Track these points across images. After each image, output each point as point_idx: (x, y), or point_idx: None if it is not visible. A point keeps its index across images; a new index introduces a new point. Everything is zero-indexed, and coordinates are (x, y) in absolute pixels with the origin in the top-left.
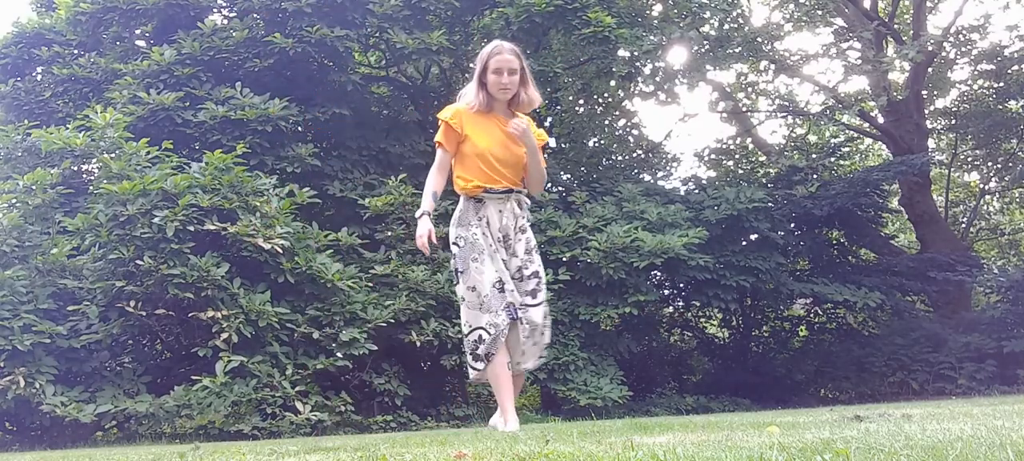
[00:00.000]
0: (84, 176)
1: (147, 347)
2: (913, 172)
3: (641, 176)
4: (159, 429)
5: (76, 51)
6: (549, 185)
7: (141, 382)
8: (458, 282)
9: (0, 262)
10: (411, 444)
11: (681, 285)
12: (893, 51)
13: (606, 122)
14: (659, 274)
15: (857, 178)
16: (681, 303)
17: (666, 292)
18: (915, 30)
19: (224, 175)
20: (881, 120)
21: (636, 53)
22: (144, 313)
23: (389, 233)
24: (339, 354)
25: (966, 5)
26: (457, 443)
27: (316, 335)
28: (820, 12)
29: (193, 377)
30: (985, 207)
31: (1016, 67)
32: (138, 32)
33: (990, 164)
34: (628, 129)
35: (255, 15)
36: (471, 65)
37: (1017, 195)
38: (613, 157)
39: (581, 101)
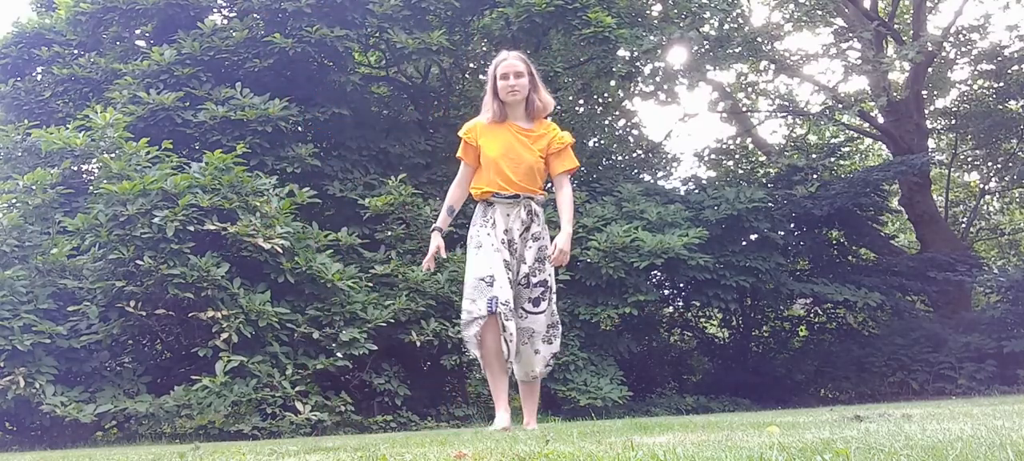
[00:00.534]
0: (84, 176)
1: (147, 347)
2: (913, 172)
3: (641, 176)
4: (159, 429)
5: (76, 51)
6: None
7: (141, 382)
8: None
9: (0, 262)
10: (411, 444)
11: (681, 285)
12: (893, 51)
13: (606, 122)
14: (659, 274)
15: (857, 178)
16: (681, 303)
17: (666, 292)
18: (915, 30)
19: (224, 175)
20: (881, 120)
21: (636, 53)
22: (144, 313)
23: (389, 233)
24: (339, 354)
25: (966, 5)
26: (457, 443)
27: (316, 335)
28: (820, 12)
29: (193, 377)
30: (985, 207)
31: (1016, 67)
32: (138, 32)
33: (990, 164)
34: (628, 129)
35: (255, 15)
36: (471, 65)
37: (1017, 195)
38: (613, 157)
39: (581, 101)
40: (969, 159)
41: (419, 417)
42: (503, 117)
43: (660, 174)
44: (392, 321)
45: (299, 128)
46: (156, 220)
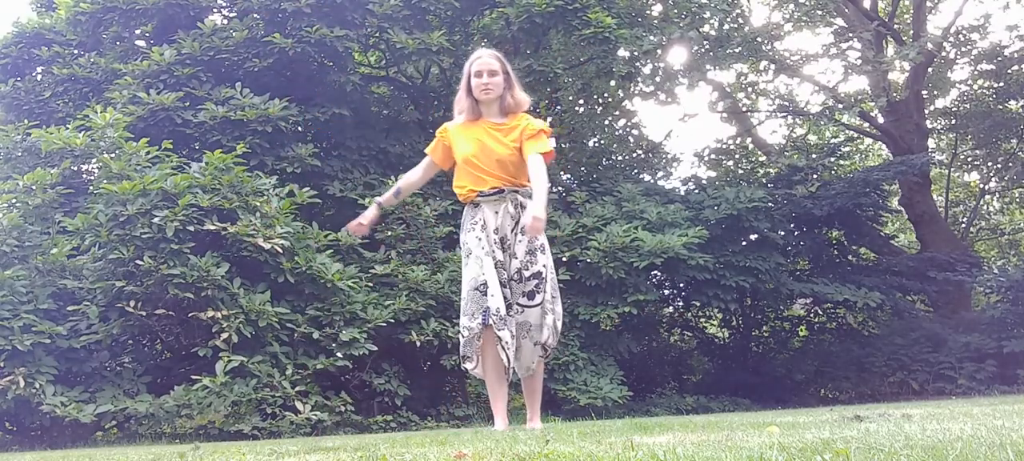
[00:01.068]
0: (84, 176)
1: (147, 347)
2: (913, 172)
3: (641, 176)
4: (159, 429)
5: (76, 51)
6: (549, 185)
7: (141, 382)
8: None
9: (0, 262)
10: (411, 444)
11: (681, 285)
12: (893, 51)
13: (606, 122)
14: (659, 274)
15: (857, 178)
16: (681, 303)
17: (666, 292)
18: (915, 30)
19: (224, 175)
20: (881, 120)
21: (636, 53)
22: (144, 313)
23: (389, 233)
24: (339, 354)
25: (966, 5)
26: (457, 443)
27: (316, 335)
28: (820, 12)
29: (193, 377)
30: (985, 207)
31: (1016, 67)
32: (138, 32)
33: (990, 164)
34: (628, 129)
35: (255, 15)
36: None
37: (1017, 195)
38: (613, 157)
39: (581, 101)
40: (969, 159)
41: (419, 417)
42: (477, 115)
43: (660, 174)
44: (392, 321)
45: (299, 128)
46: (156, 220)
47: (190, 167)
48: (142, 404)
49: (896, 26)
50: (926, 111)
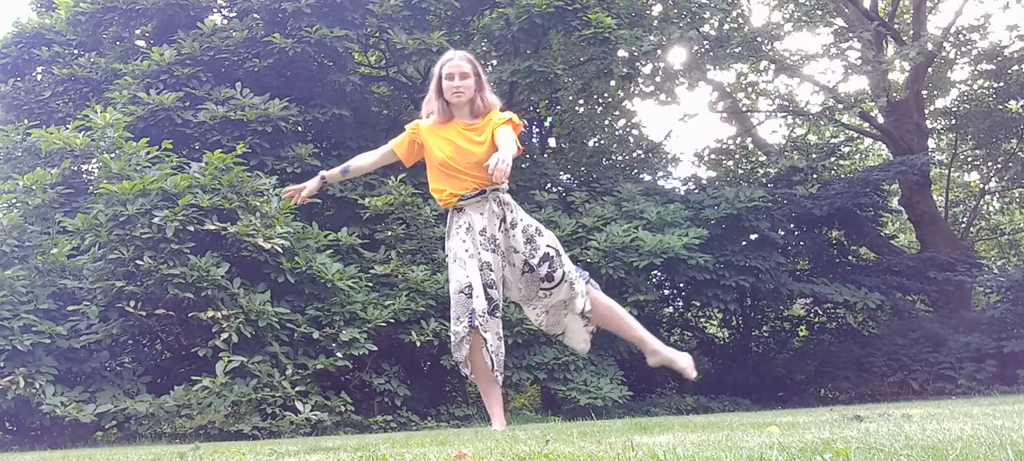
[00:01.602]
0: (84, 176)
1: (147, 347)
2: (913, 172)
3: (641, 176)
4: (159, 429)
5: (76, 51)
6: (549, 185)
7: (141, 382)
8: None
9: (0, 262)
10: (411, 444)
11: (681, 285)
12: (893, 51)
13: (606, 122)
14: (659, 274)
15: (857, 178)
16: (681, 303)
17: (666, 292)
18: (915, 30)
19: (224, 175)
20: (881, 120)
21: (636, 53)
22: (144, 313)
23: (389, 233)
24: (339, 354)
25: (966, 5)
26: (457, 443)
27: (316, 335)
28: (820, 12)
29: (193, 377)
30: (985, 207)
31: (1016, 67)
32: (138, 32)
33: (990, 164)
34: (628, 129)
35: (255, 15)
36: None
37: (1017, 195)
38: (613, 157)
39: (581, 101)
40: (969, 159)
41: (419, 417)
42: (448, 116)
43: (660, 174)
44: (392, 321)
45: (299, 128)
46: (156, 220)
47: (190, 167)
48: (142, 404)
49: (896, 26)
50: (926, 111)
